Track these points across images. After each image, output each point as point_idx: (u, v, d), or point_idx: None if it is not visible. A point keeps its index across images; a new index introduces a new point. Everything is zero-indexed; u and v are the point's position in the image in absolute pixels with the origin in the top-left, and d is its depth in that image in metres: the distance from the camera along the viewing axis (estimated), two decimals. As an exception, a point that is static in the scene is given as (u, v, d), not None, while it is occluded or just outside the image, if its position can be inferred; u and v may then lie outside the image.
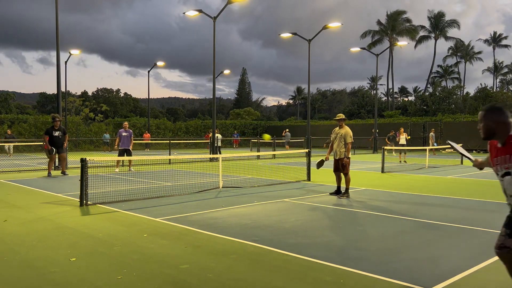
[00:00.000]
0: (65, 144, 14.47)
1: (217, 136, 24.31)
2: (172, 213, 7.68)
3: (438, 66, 72.55)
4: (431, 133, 28.23)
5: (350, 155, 9.84)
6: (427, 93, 53.64)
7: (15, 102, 58.94)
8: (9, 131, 27.82)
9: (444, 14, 63.37)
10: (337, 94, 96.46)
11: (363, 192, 10.54)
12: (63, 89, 27.54)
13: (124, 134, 16.18)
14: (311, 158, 13.16)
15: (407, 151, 21.24)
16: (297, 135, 40.87)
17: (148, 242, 5.67)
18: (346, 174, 9.74)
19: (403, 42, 43.17)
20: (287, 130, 40.10)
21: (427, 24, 64.75)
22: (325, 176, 13.25)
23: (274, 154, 25.61)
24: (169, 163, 19.93)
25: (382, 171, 15.43)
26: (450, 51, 71.95)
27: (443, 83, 67.03)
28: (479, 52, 72.00)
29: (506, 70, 73.94)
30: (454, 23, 63.61)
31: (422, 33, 63.71)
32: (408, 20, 59.49)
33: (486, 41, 75.04)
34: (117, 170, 16.08)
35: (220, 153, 24.66)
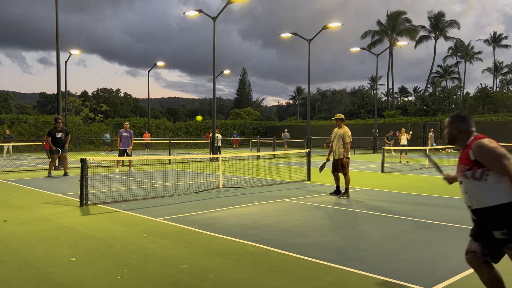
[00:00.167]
0: (66, 145, 14.54)
1: (217, 136, 24.32)
2: (172, 213, 7.68)
3: (438, 66, 72.61)
4: (430, 133, 28.23)
5: (349, 155, 9.81)
6: (427, 93, 53.67)
7: (15, 102, 59.02)
8: (7, 131, 27.81)
9: (444, 14, 63.44)
10: (337, 94, 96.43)
11: (363, 192, 10.54)
12: (63, 89, 27.56)
13: (124, 134, 16.20)
14: (311, 158, 13.16)
15: (408, 151, 21.20)
16: (297, 135, 40.88)
17: (148, 242, 5.67)
18: (345, 174, 9.73)
19: (403, 42, 43.15)
20: (286, 130, 40.16)
21: (427, 24, 64.85)
22: (325, 176, 13.25)
23: (274, 154, 25.61)
24: (169, 163, 19.93)
25: (382, 171, 15.43)
26: (450, 51, 71.99)
27: (443, 83, 67.05)
28: (479, 52, 72.05)
29: (506, 70, 73.93)
30: (454, 23, 63.65)
31: (422, 33, 63.80)
32: (408, 20, 59.53)
33: (486, 41, 75.09)
34: (117, 170, 16.08)
35: (220, 153, 24.67)
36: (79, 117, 44.75)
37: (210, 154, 24.53)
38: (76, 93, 70.74)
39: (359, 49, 33.83)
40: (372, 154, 30.02)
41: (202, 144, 41.03)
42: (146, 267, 4.62)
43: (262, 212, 7.91)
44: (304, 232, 6.32)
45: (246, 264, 4.75)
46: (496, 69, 73.82)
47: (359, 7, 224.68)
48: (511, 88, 71.27)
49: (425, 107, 47.19)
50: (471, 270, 4.48)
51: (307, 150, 13.31)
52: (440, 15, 63.13)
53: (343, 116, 10.11)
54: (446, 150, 30.66)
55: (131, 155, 16.25)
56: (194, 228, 6.48)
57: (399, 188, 11.20)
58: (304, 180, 12.74)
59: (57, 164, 15.91)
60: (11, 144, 25.42)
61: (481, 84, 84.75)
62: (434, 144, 26.58)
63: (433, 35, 64.18)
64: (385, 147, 17.18)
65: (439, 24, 63.22)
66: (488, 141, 3.09)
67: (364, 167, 18.08)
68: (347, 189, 9.71)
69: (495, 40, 74.47)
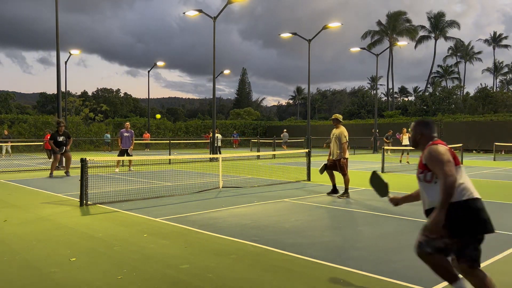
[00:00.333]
0: (68, 147, 14.65)
1: (217, 136, 24.32)
2: (172, 213, 7.68)
3: (438, 66, 72.62)
4: None
5: (347, 156, 9.75)
6: (427, 93, 53.67)
7: (15, 102, 59.03)
8: (6, 132, 27.77)
9: (444, 14, 63.45)
10: (337, 94, 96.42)
11: (363, 192, 10.54)
12: (63, 89, 27.54)
13: (125, 134, 16.23)
14: (311, 158, 13.16)
15: (409, 151, 21.15)
16: (297, 135, 40.90)
17: (148, 242, 5.67)
18: (344, 175, 9.72)
19: (403, 42, 43.16)
20: (285, 130, 40.20)
21: (427, 24, 64.85)
22: (325, 176, 13.22)
23: (274, 154, 25.61)
24: (169, 163, 19.93)
25: (382, 171, 15.43)
26: (450, 51, 72.00)
27: (443, 83, 67.09)
28: (479, 52, 72.06)
29: (506, 70, 73.91)
30: (454, 23, 63.66)
31: (422, 33, 63.82)
32: (408, 20, 59.55)
33: (486, 41, 75.06)
34: (117, 170, 16.09)
35: (220, 153, 24.67)
36: (79, 117, 44.75)
37: (210, 154, 24.53)
38: (76, 93, 70.82)
39: (359, 49, 33.84)
40: (372, 154, 30.03)
41: (202, 144, 41.03)
42: (146, 267, 4.62)
43: (262, 212, 7.91)
44: (304, 232, 6.32)
45: (246, 264, 4.75)
46: (496, 69, 73.80)
47: (359, 7, 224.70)
48: (511, 88, 71.23)
49: (425, 107, 47.18)
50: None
51: (307, 150, 13.31)
52: (440, 15, 63.15)
53: (339, 117, 9.94)
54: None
55: (131, 155, 16.26)
56: (194, 228, 6.48)
57: (399, 188, 11.19)
58: (304, 180, 12.74)
59: (57, 164, 15.94)
60: (9, 144, 25.39)
61: (481, 84, 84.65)
62: None
63: (433, 35, 64.20)
64: (385, 147, 17.17)
65: (439, 24, 63.23)
66: (436, 147, 3.30)
67: (364, 167, 18.08)
68: (346, 189, 9.71)
69: (495, 40, 74.45)
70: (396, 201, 3.84)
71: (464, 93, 52.16)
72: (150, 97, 42.47)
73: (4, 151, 25.48)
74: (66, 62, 31.53)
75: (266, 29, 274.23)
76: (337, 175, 10.04)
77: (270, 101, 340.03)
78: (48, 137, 23.10)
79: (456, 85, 61.28)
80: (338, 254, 5.18)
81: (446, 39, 65.19)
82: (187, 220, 7.08)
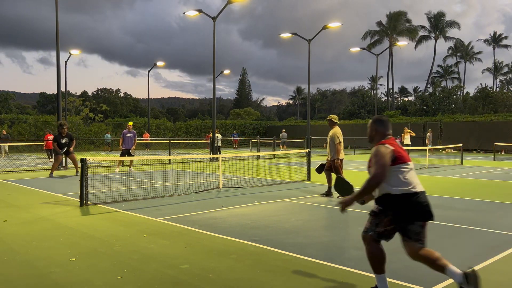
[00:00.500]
0: (71, 149, 14.73)
1: (217, 136, 24.31)
2: (172, 213, 7.68)
3: (438, 66, 72.65)
4: (428, 134, 28.24)
5: (342, 156, 9.59)
6: (427, 93, 53.66)
7: (15, 102, 59.02)
8: (4, 131, 27.74)
9: (444, 14, 63.45)
10: (337, 94, 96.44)
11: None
12: (63, 89, 27.55)
13: (128, 135, 16.25)
14: (311, 158, 13.16)
15: (410, 151, 21.15)
16: (297, 135, 40.91)
17: (148, 242, 5.67)
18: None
19: (403, 42, 43.15)
20: (284, 130, 40.23)
21: (427, 24, 64.85)
22: (325, 176, 13.24)
23: (274, 154, 25.61)
24: (169, 163, 19.93)
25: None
26: (450, 51, 71.99)
27: (443, 83, 67.10)
28: (479, 52, 72.06)
29: (506, 70, 73.89)
30: (454, 23, 63.67)
31: (422, 33, 63.83)
32: (408, 20, 59.55)
33: (486, 41, 75.06)
34: (117, 170, 16.10)
35: (220, 153, 24.67)
36: (79, 117, 44.75)
37: (210, 154, 24.53)
38: (76, 93, 70.81)
39: (359, 49, 33.82)
40: (372, 154, 30.00)
41: (202, 144, 41.04)
42: (146, 267, 4.62)
43: (262, 212, 7.91)
44: (304, 232, 6.31)
45: (246, 264, 4.75)
46: (496, 69, 73.78)
47: (359, 7, 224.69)
48: (511, 88, 71.22)
49: (425, 107, 47.19)
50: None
51: (307, 150, 13.31)
52: (440, 15, 63.15)
53: (333, 117, 9.83)
54: (446, 150, 30.66)
55: (133, 155, 16.28)
56: (194, 228, 6.48)
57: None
58: (304, 180, 12.74)
59: (57, 164, 15.96)
60: (7, 145, 25.36)
61: (481, 84, 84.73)
62: (430, 145, 26.54)
63: (433, 35, 64.20)
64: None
65: (439, 24, 63.24)
66: (380, 148, 3.74)
67: (364, 167, 18.08)
68: None
69: (495, 40, 74.45)
70: (346, 203, 3.95)
71: (464, 93, 52.18)
72: (150, 97, 42.49)
73: (3, 151, 25.48)
74: (66, 62, 31.53)
75: (266, 29, 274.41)
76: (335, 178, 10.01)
77: (270, 101, 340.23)
78: (48, 137, 23.19)
79: (456, 85, 61.27)
80: (338, 254, 5.18)
81: (446, 39, 65.22)
82: (187, 220, 7.08)
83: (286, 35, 27.17)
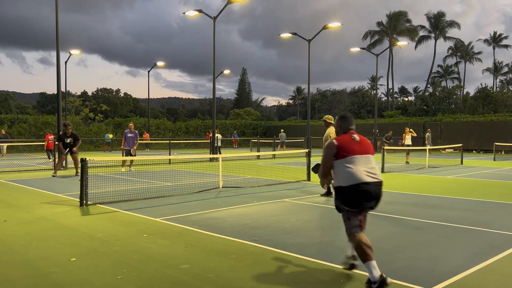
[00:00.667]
0: (75, 148, 14.78)
1: (217, 136, 24.31)
2: (172, 213, 7.68)
3: (438, 66, 72.64)
4: (427, 134, 28.22)
5: None
6: (427, 93, 53.65)
7: (15, 102, 58.99)
8: (3, 131, 27.71)
9: (444, 14, 63.45)
10: (337, 94, 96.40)
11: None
12: (63, 89, 27.53)
13: (129, 135, 16.30)
14: (311, 158, 13.16)
15: (411, 151, 21.10)
16: (297, 135, 40.90)
17: (148, 242, 5.67)
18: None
19: (403, 42, 43.13)
20: (282, 130, 40.21)
21: (427, 24, 64.85)
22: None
23: (274, 154, 25.60)
24: (169, 163, 19.93)
25: (382, 171, 15.43)
26: (450, 51, 71.98)
27: (443, 83, 67.08)
28: (479, 52, 72.04)
29: (506, 70, 73.88)
30: (454, 23, 63.66)
31: (422, 33, 63.84)
32: (408, 20, 59.55)
33: (486, 41, 75.04)
34: (123, 170, 16.22)
35: (220, 153, 24.67)
36: (79, 117, 44.74)
37: (210, 154, 24.53)
38: (76, 93, 70.84)
39: (359, 49, 33.81)
40: (372, 154, 29.99)
41: (202, 144, 41.04)
42: (146, 267, 4.62)
43: (262, 212, 7.91)
44: (304, 232, 6.31)
45: (246, 264, 4.75)
46: (496, 69, 73.78)
47: (359, 7, 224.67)
48: (511, 88, 71.21)
49: (425, 107, 47.18)
50: (471, 270, 4.49)
51: (307, 150, 13.31)
52: (440, 15, 63.15)
53: (327, 118, 9.77)
54: (446, 150, 30.66)
55: (134, 155, 16.31)
56: (194, 228, 6.48)
57: (399, 188, 11.20)
58: (304, 180, 12.73)
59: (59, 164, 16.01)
60: (6, 145, 25.33)
61: (481, 84, 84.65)
62: (429, 145, 26.48)
63: (433, 35, 64.20)
64: (385, 147, 17.17)
65: (439, 24, 63.23)
66: (328, 143, 4.26)
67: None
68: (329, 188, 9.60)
69: (495, 40, 74.43)
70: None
71: (464, 93, 52.15)
72: (150, 97, 42.50)
73: (4, 151, 25.46)
74: (66, 62, 31.53)
75: (266, 29, 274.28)
76: None
77: (270, 101, 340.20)
78: (49, 137, 23.19)
79: (456, 85, 61.24)
80: (338, 254, 5.18)
81: (446, 39, 65.21)
82: (187, 220, 7.08)
83: (286, 35, 27.17)
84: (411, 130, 23.24)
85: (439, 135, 34.50)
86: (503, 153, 29.40)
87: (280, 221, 7.02)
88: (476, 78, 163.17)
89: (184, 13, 22.77)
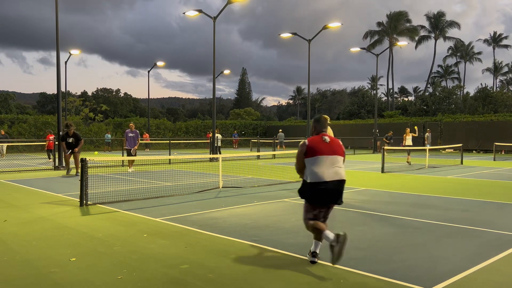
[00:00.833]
0: (76, 149, 14.82)
1: (217, 136, 24.31)
2: (172, 213, 7.68)
3: (438, 66, 72.65)
4: (427, 134, 28.23)
5: None
6: (427, 93, 53.66)
7: (15, 102, 59.02)
8: (2, 132, 27.71)
9: (444, 14, 63.46)
10: (337, 94, 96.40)
11: (363, 192, 10.54)
12: (63, 89, 27.56)
13: (130, 135, 16.32)
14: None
15: (411, 151, 21.08)
16: (297, 135, 40.89)
17: (148, 242, 5.67)
18: None
19: (403, 42, 43.15)
20: (280, 130, 40.22)
21: (427, 24, 64.86)
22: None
23: (274, 154, 25.61)
24: (169, 163, 19.94)
25: (382, 171, 15.43)
26: (450, 51, 71.99)
27: (443, 83, 67.08)
28: (479, 53, 72.05)
29: (506, 70, 73.86)
30: (454, 23, 63.67)
31: (422, 33, 63.83)
32: (408, 20, 59.56)
33: (486, 41, 75.04)
34: (130, 170, 16.23)
35: (220, 153, 24.67)
36: (79, 117, 44.75)
37: (210, 154, 24.53)
38: (76, 93, 70.84)
39: (359, 49, 33.83)
40: (372, 154, 30.03)
41: (202, 144, 41.04)
42: (146, 267, 4.62)
43: (262, 212, 7.91)
44: (304, 232, 6.29)
45: (246, 264, 4.75)
46: (496, 69, 73.76)
47: (359, 7, 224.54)
48: (511, 88, 71.21)
49: (425, 107, 47.18)
50: (471, 270, 4.49)
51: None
52: (440, 15, 63.16)
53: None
54: (446, 150, 30.66)
55: (135, 155, 16.32)
56: (194, 228, 6.48)
57: (399, 188, 11.20)
58: (304, 180, 12.72)
59: (56, 163, 16.02)
60: (5, 145, 25.32)
61: (481, 84, 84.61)
62: (428, 145, 26.48)
63: (433, 35, 64.21)
64: (385, 147, 17.17)
65: (439, 24, 63.25)
66: (301, 143, 4.81)
67: (364, 167, 18.08)
68: None
69: (495, 40, 74.42)
70: None
71: (464, 93, 52.14)
72: (150, 97, 42.51)
73: (4, 151, 25.44)
74: (66, 62, 31.56)
75: (266, 29, 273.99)
76: None
77: (270, 101, 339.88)
78: (50, 137, 23.20)
79: (456, 85, 61.24)
80: (338, 254, 5.17)
81: (446, 39, 65.21)
82: (187, 220, 7.08)
83: (286, 35, 27.17)
84: (415, 128, 23.28)
85: (439, 135, 34.51)
86: (503, 153, 29.40)
87: (280, 221, 7.03)
88: (476, 78, 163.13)
89: (184, 13, 22.79)
